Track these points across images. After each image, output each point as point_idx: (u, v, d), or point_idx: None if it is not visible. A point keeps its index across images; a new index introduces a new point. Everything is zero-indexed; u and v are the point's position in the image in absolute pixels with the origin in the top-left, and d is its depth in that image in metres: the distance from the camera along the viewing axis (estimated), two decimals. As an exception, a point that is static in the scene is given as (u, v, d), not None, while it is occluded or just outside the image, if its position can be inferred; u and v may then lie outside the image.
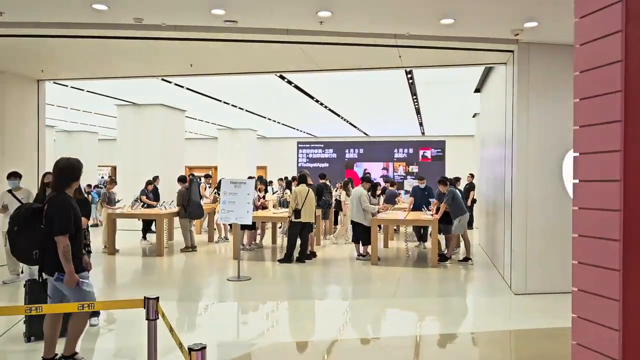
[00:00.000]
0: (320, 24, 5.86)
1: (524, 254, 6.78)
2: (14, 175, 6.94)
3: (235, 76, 9.44)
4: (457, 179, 11.99)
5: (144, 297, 2.70)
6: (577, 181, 2.21)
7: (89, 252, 5.02)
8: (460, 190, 11.56)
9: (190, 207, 10.37)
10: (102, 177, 22.35)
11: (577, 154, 2.23)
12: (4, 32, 6.25)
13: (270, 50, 7.38)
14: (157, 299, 2.74)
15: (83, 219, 4.79)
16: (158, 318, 2.70)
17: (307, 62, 7.84)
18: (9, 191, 6.90)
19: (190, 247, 10.49)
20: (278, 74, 10.04)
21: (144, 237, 11.72)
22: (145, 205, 11.41)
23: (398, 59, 7.52)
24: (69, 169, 3.85)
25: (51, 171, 5.14)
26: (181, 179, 10.97)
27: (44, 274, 3.85)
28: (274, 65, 8.44)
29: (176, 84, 11.31)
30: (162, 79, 10.68)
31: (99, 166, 21.92)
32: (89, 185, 17.34)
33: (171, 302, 6.88)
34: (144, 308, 2.68)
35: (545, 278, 6.77)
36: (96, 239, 12.09)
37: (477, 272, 8.75)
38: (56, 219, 3.64)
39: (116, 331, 5.58)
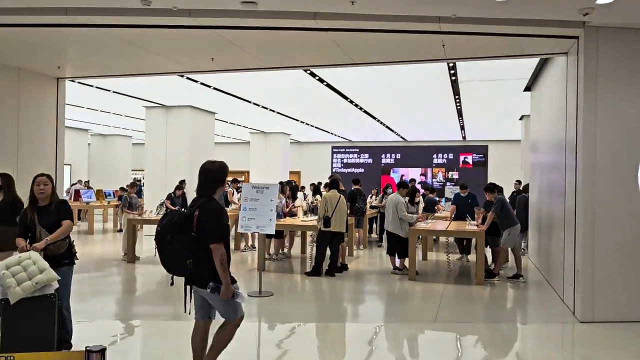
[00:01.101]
0: (351, 5, 5.07)
1: (592, 274, 5.73)
2: None
3: (261, 72, 8.73)
4: (526, 187, 10.87)
5: (86, 348, 1.98)
6: None
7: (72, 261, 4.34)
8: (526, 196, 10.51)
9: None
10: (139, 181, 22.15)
11: None
12: (10, 20, 5.75)
13: (297, 41, 6.64)
14: (102, 351, 2.01)
15: (66, 222, 4.17)
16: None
17: (338, 54, 7.05)
18: None
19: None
20: (308, 71, 9.31)
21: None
22: (169, 211, 10.82)
23: (441, 49, 6.63)
24: (216, 173, 3.63)
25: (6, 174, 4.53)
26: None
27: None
28: (302, 58, 7.68)
29: (202, 83, 10.74)
30: (187, 78, 10.13)
31: (132, 170, 21.79)
32: (122, 189, 17.00)
33: (183, 320, 6.19)
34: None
35: (618, 304, 5.71)
36: (117, 245, 11.67)
37: (530, 292, 7.71)
38: (211, 227, 3.44)
39: None
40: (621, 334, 5.44)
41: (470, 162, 22.03)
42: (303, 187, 16.23)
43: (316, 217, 9.05)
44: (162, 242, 3.49)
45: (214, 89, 11.34)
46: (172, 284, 3.69)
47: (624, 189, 5.74)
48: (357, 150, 23.34)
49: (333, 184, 8.87)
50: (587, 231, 5.76)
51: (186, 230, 3.48)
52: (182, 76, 9.78)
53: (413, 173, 22.01)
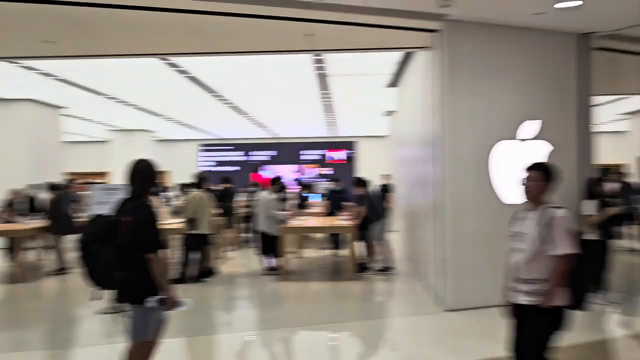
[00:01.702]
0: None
1: (454, 263, 5.86)
2: None
3: (114, 61, 7.81)
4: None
5: None
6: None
7: None
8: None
9: (60, 220, 8.51)
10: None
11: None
12: None
13: (150, 23, 5.91)
14: None
15: None
16: None
17: (198, 40, 6.45)
18: None
19: (62, 270, 8.62)
20: (166, 61, 8.52)
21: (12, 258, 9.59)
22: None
23: (305, 39, 6.35)
24: (145, 173, 3.32)
25: None
26: (52, 187, 9.07)
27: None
28: (156, 45, 6.92)
29: (44, 74, 9.35)
30: (23, 67, 8.74)
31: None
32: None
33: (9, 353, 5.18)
34: None
35: (481, 290, 5.87)
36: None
37: (400, 284, 7.79)
38: (146, 234, 3.12)
39: None
40: (485, 319, 5.61)
41: (340, 158, 22.48)
42: (167, 188, 15.22)
43: (182, 219, 8.33)
44: (86, 252, 3.17)
45: (60, 80, 10.00)
46: (97, 298, 3.28)
47: (477, 178, 5.92)
48: (228, 147, 22.62)
49: (200, 182, 8.23)
50: (447, 220, 5.88)
51: (113, 238, 3.15)
52: (13, 63, 8.41)
53: (285, 170, 21.86)
